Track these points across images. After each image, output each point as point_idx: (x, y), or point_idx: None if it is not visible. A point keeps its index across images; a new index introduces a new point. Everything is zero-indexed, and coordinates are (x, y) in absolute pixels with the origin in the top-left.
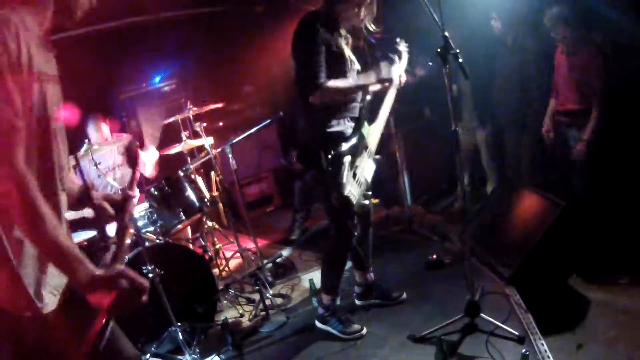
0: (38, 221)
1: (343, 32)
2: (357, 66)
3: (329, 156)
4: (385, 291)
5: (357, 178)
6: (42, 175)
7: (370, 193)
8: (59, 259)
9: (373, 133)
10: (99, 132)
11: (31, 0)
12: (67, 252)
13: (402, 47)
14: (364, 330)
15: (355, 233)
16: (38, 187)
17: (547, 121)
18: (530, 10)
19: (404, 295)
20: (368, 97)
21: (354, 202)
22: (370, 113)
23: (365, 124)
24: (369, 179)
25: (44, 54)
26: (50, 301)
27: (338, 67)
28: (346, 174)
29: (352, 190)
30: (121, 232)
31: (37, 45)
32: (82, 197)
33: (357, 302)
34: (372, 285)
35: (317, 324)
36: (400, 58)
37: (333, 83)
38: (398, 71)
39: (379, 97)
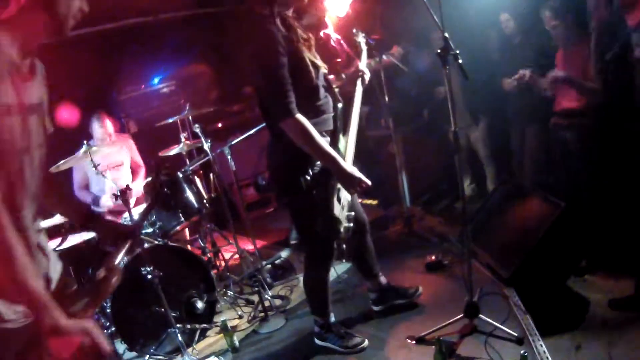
0: (8, 261)
1: (301, 32)
2: (324, 70)
3: (308, 177)
4: (401, 290)
5: (341, 201)
6: (10, 211)
7: (352, 214)
8: (24, 301)
9: (348, 145)
10: (104, 127)
11: (7, 23)
12: (34, 296)
13: (360, 38)
14: (365, 343)
15: (344, 260)
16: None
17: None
18: (536, 7)
19: (420, 288)
20: (340, 105)
21: (341, 230)
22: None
23: (340, 136)
24: (350, 199)
25: (20, 82)
26: (13, 317)
27: (305, 80)
28: (331, 197)
29: (339, 215)
30: (108, 272)
31: (9, 73)
32: (85, 221)
33: (375, 308)
34: (386, 289)
35: (316, 341)
36: (359, 53)
37: (305, 122)
38: (362, 67)
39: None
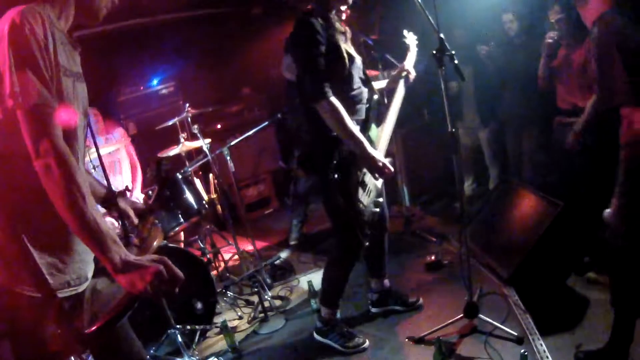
0: (78, 197)
1: (339, 25)
2: (359, 61)
3: (335, 162)
4: (402, 297)
5: (367, 186)
6: None
7: (381, 200)
8: (95, 237)
9: (382, 136)
10: (97, 124)
11: (50, 3)
12: (105, 230)
13: (410, 39)
14: (367, 344)
15: (366, 244)
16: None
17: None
18: (538, 8)
19: (421, 300)
20: (375, 97)
21: (364, 212)
22: (377, 113)
23: (373, 126)
24: (379, 185)
25: (69, 51)
26: (61, 287)
27: (339, 67)
28: (354, 183)
29: (362, 199)
30: (146, 235)
31: (61, 41)
32: (107, 200)
33: (373, 309)
34: (388, 292)
35: (316, 336)
36: (409, 51)
37: (337, 105)
38: (408, 66)
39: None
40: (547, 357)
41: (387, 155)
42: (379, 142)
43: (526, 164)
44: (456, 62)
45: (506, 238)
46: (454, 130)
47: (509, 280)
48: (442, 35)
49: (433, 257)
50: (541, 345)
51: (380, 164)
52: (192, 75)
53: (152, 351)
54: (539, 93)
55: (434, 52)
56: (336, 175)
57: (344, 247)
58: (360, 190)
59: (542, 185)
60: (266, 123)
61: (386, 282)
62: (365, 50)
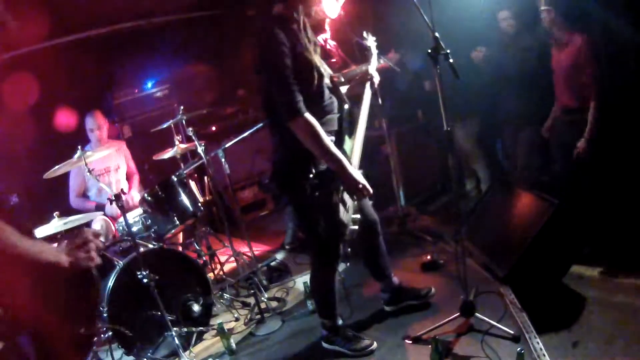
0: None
1: (310, 35)
2: (329, 73)
3: (311, 178)
4: (414, 291)
5: (346, 204)
6: None
7: (358, 217)
8: (27, 267)
9: (355, 147)
10: (101, 129)
11: None
12: (29, 252)
13: (370, 41)
14: (374, 345)
15: (348, 263)
16: None
17: (549, 121)
18: (531, 6)
19: (433, 290)
20: (346, 107)
21: (345, 232)
22: (349, 123)
23: (346, 137)
24: (355, 202)
25: None
26: None
27: (307, 80)
28: (335, 200)
29: (343, 217)
30: None
31: None
32: None
33: (387, 308)
34: (399, 289)
35: (324, 344)
36: (370, 55)
37: (313, 122)
38: (371, 70)
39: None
40: (544, 355)
41: (382, 156)
42: (353, 154)
43: (522, 163)
44: (451, 60)
45: (502, 237)
46: (448, 129)
47: (505, 278)
48: (437, 34)
49: (429, 257)
50: (538, 343)
51: (360, 185)
52: (187, 78)
53: (149, 354)
54: (535, 92)
55: (429, 51)
56: (317, 193)
57: (320, 261)
58: (342, 209)
59: (538, 184)
60: (261, 125)
61: (395, 279)
62: (358, 51)
